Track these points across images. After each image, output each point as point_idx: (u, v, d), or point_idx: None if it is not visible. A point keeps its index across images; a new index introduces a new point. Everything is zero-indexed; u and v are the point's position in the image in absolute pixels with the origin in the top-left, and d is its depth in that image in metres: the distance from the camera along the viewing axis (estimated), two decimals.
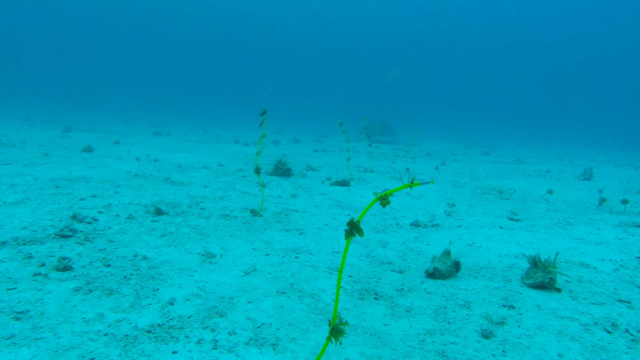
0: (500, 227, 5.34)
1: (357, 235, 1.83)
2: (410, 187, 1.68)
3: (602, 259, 4.24)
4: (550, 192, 7.62)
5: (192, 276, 3.34)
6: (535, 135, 33.37)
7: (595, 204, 6.98)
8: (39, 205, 5.00)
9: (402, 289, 3.33)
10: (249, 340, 2.47)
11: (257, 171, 5.09)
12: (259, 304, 2.95)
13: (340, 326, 1.93)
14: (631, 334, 2.74)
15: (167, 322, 2.62)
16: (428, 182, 1.72)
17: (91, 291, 2.96)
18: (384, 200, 1.70)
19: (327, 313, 2.87)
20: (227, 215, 5.17)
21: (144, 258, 3.63)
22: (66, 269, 3.25)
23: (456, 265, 3.61)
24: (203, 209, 5.40)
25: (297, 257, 3.93)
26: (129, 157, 9.69)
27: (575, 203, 7.12)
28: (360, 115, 20.64)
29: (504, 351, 2.50)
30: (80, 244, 3.86)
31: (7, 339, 2.32)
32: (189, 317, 2.69)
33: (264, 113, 4.65)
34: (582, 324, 2.86)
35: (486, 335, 2.64)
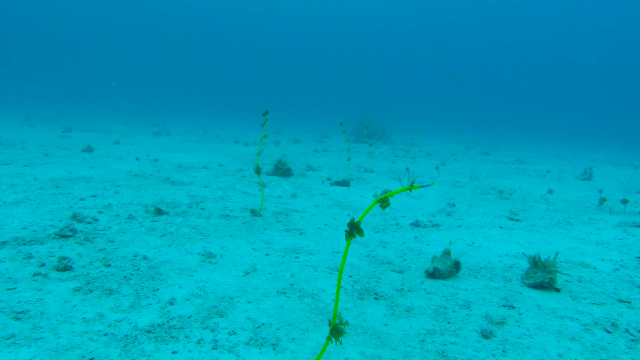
0: (500, 227, 5.34)
1: (357, 235, 1.83)
2: (410, 189, 1.67)
3: (602, 259, 4.24)
4: (550, 192, 7.62)
5: (192, 276, 3.34)
6: (536, 135, 33.37)
7: (595, 204, 6.98)
8: (39, 205, 5.00)
9: (402, 289, 3.33)
10: (249, 340, 2.48)
11: (258, 171, 5.09)
12: (259, 304, 2.95)
13: (340, 326, 1.93)
14: (631, 334, 2.74)
15: (167, 322, 2.62)
16: (428, 185, 1.71)
17: (91, 291, 2.96)
18: (384, 202, 1.70)
19: (327, 313, 2.87)
20: (227, 215, 5.17)
21: (144, 258, 3.63)
22: (66, 269, 3.25)
23: (456, 265, 3.61)
24: (203, 209, 5.40)
25: (297, 257, 3.93)
26: (129, 157, 9.69)
27: (575, 203, 7.12)
28: (356, 116, 20.64)
29: (504, 351, 2.50)
30: (80, 244, 3.86)
31: (7, 339, 2.32)
32: (189, 317, 2.70)
33: (266, 113, 4.65)
34: (582, 324, 2.86)
35: (486, 335, 2.64)
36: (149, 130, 18.70)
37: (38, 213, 4.69)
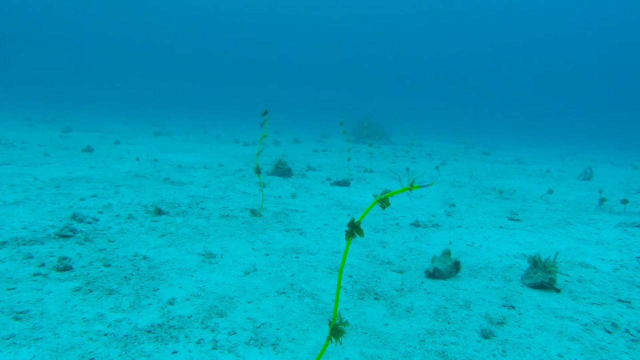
0: (500, 227, 5.34)
1: (357, 235, 1.83)
2: (410, 189, 1.67)
3: (602, 259, 4.24)
4: (550, 192, 7.62)
5: (192, 276, 3.34)
6: (535, 135, 33.37)
7: (595, 204, 6.98)
8: (39, 205, 5.00)
9: (402, 289, 3.33)
10: (249, 340, 2.48)
11: (258, 171, 5.09)
12: (259, 304, 2.95)
13: (340, 326, 1.93)
14: (631, 334, 2.74)
15: (167, 322, 2.62)
16: (428, 185, 1.71)
17: (91, 291, 2.96)
18: (384, 202, 1.70)
19: (327, 313, 2.87)
20: (227, 215, 5.17)
21: (144, 258, 3.63)
22: (66, 269, 3.25)
23: (456, 265, 3.61)
24: (203, 209, 5.40)
25: (297, 257, 3.93)
26: (129, 157, 9.69)
27: (575, 203, 7.12)
28: (356, 116, 20.64)
29: (504, 351, 2.50)
30: (80, 244, 3.86)
31: (7, 339, 2.32)
32: (189, 317, 2.70)
33: (265, 113, 4.65)
34: (582, 324, 2.86)
35: (486, 335, 2.64)
36: (149, 130, 18.70)
37: (38, 213, 4.69)
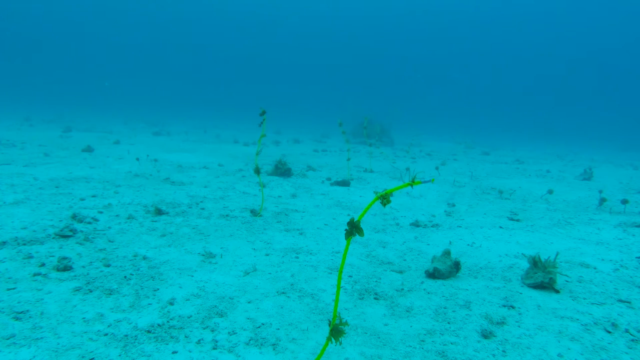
0: (500, 227, 5.34)
1: (357, 235, 1.83)
2: (412, 185, 1.68)
3: (602, 259, 4.24)
4: (550, 192, 7.62)
5: (192, 276, 3.34)
6: (535, 136, 33.35)
7: (595, 204, 6.98)
8: (39, 205, 5.00)
9: (402, 289, 3.33)
10: (249, 340, 2.48)
11: (257, 171, 5.09)
12: (259, 304, 2.95)
13: (340, 326, 1.93)
14: (631, 334, 2.74)
15: (167, 322, 2.62)
16: (429, 181, 1.72)
17: (91, 291, 2.96)
18: (384, 199, 1.70)
19: (327, 313, 2.87)
20: (227, 215, 5.17)
21: (144, 258, 3.63)
22: (66, 269, 3.25)
23: (456, 265, 3.62)
24: (203, 209, 5.40)
25: (297, 257, 3.93)
26: (129, 157, 9.69)
27: (575, 203, 7.12)
28: (356, 116, 20.61)
29: (504, 351, 2.50)
30: (80, 244, 3.86)
31: (7, 339, 2.32)
32: (189, 317, 2.70)
33: (263, 113, 4.66)
34: (582, 324, 2.86)
35: (486, 335, 2.64)
36: (149, 130, 18.70)
37: (38, 213, 4.69)
